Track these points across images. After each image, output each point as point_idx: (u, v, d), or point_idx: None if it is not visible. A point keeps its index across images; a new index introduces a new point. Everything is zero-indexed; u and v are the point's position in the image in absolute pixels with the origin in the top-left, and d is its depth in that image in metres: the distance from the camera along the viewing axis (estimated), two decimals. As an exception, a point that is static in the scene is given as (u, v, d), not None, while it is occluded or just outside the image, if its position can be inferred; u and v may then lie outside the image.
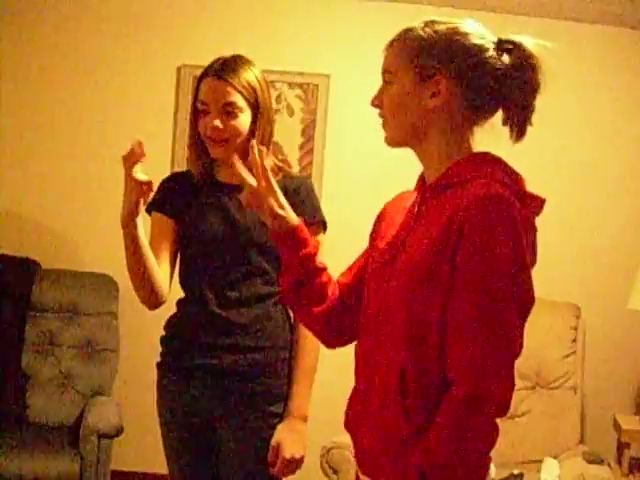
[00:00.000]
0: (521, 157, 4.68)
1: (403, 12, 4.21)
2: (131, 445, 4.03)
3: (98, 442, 3.42)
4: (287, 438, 2.23)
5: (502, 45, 1.58)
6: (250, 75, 2.25)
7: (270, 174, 1.74)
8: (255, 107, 2.25)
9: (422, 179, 1.67)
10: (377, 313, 1.62)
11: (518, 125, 1.59)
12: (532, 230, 1.56)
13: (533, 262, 1.58)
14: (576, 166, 4.27)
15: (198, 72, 4.30)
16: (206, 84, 2.26)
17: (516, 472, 3.52)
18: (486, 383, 1.45)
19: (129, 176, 1.96)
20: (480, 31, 1.60)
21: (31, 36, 4.17)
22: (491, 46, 1.58)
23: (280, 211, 1.70)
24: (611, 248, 4.29)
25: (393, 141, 1.63)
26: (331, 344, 1.84)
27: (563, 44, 4.45)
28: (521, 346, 1.51)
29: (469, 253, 1.47)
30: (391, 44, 1.61)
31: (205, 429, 2.30)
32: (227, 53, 2.31)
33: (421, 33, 1.58)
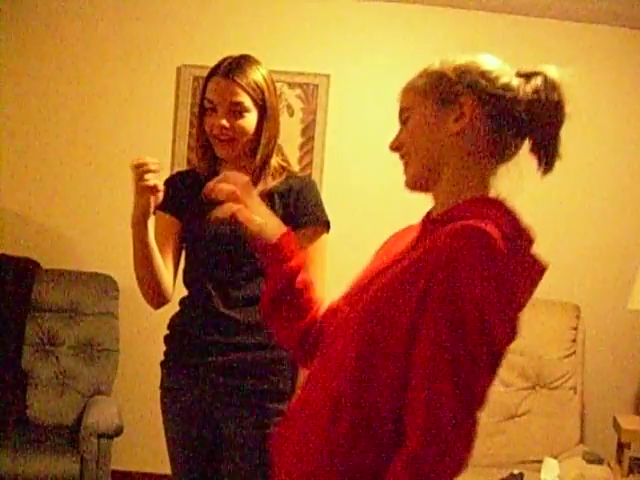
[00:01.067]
0: (520, 158, 4.65)
1: (403, 12, 4.22)
2: (131, 445, 4.03)
3: (98, 442, 3.42)
4: None
5: (522, 74, 1.54)
6: (258, 75, 2.25)
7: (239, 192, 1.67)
8: (262, 107, 2.25)
9: (429, 213, 1.59)
10: (332, 337, 1.52)
11: (546, 155, 1.51)
12: (517, 281, 1.41)
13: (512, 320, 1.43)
14: (576, 166, 4.27)
15: (198, 72, 4.30)
16: (214, 83, 2.25)
17: (516, 472, 3.51)
18: (440, 443, 1.31)
19: (139, 182, 1.99)
20: (499, 62, 1.57)
21: (31, 36, 4.17)
22: (511, 74, 1.54)
23: (256, 225, 1.63)
24: (611, 248, 4.28)
25: (414, 179, 1.54)
26: (306, 364, 1.68)
27: (563, 44, 4.48)
28: (483, 401, 1.38)
29: (435, 291, 1.34)
30: (407, 84, 1.57)
31: (209, 426, 2.30)
32: (227, 53, 2.31)
33: (438, 65, 1.55)
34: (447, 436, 1.32)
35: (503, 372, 3.92)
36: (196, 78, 4.10)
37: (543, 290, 4.82)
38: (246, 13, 4.21)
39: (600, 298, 4.25)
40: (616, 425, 3.90)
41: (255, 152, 2.27)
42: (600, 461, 3.56)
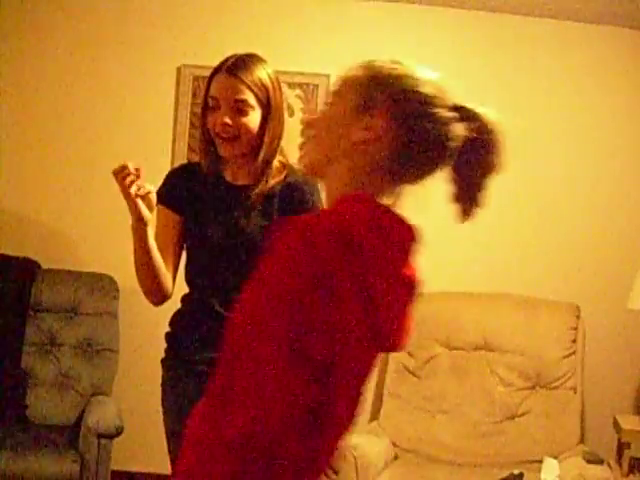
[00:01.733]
0: (520, 158, 4.64)
1: (403, 12, 4.22)
2: (131, 445, 4.02)
3: (98, 442, 3.42)
4: None
5: (460, 111, 1.41)
6: (263, 74, 2.23)
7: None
8: (266, 106, 2.23)
9: None
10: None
11: (465, 204, 1.43)
12: (357, 282, 1.31)
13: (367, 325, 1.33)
14: (576, 166, 4.27)
15: (198, 72, 4.28)
16: (218, 80, 2.23)
17: (516, 472, 3.51)
18: (216, 437, 1.26)
19: (126, 193, 2.04)
20: (441, 85, 1.43)
21: (31, 36, 4.17)
22: (448, 104, 1.41)
23: None
24: (611, 248, 4.28)
25: (309, 164, 1.49)
26: None
27: (563, 44, 4.48)
28: (302, 411, 1.28)
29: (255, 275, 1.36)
30: (347, 69, 1.51)
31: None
32: (227, 53, 2.30)
33: (381, 65, 1.47)
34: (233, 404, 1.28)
35: (503, 372, 3.92)
36: (196, 78, 4.10)
37: (543, 290, 4.80)
38: (246, 13, 4.21)
39: (600, 298, 4.25)
40: (616, 425, 3.90)
41: (258, 152, 2.26)
42: (600, 461, 3.56)
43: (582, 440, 3.93)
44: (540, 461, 3.64)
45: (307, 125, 1.50)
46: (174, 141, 4.18)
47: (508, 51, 4.27)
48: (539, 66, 4.26)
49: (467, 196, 1.42)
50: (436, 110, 1.40)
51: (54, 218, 4.20)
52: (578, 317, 4.05)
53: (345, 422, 1.42)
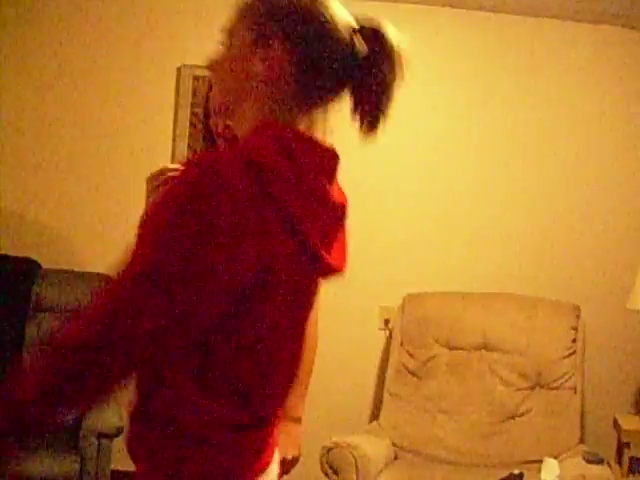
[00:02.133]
0: (521, 158, 4.64)
1: (403, 12, 4.22)
2: (131, 445, 4.02)
3: (98, 442, 3.42)
4: (279, 440, 2.23)
5: (361, 31, 1.41)
6: None
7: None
8: None
9: None
10: None
11: (368, 117, 1.42)
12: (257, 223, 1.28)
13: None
14: (576, 166, 4.27)
15: (198, 72, 4.28)
16: None
17: (516, 472, 3.51)
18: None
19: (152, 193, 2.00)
20: (340, 11, 1.41)
21: (32, 36, 4.17)
22: (346, 28, 1.40)
23: None
24: (611, 248, 4.28)
25: (216, 103, 1.47)
26: None
27: (563, 44, 4.47)
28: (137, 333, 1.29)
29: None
30: (238, 3, 1.43)
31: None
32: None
33: None
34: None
35: (503, 372, 3.92)
36: (196, 78, 4.10)
37: (543, 290, 4.79)
38: (246, 13, 4.21)
39: (600, 298, 4.25)
40: (616, 425, 3.90)
41: None
42: (600, 461, 3.56)
43: (582, 440, 3.93)
44: (540, 461, 3.64)
45: (210, 69, 1.47)
46: (174, 141, 4.18)
47: (508, 51, 4.27)
48: (539, 66, 4.26)
49: (370, 107, 1.42)
50: (335, 31, 1.38)
51: (54, 218, 4.20)
52: (578, 317, 4.05)
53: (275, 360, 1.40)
